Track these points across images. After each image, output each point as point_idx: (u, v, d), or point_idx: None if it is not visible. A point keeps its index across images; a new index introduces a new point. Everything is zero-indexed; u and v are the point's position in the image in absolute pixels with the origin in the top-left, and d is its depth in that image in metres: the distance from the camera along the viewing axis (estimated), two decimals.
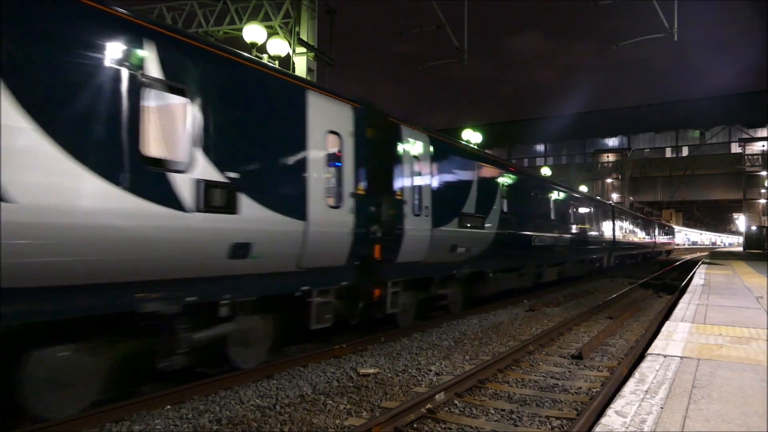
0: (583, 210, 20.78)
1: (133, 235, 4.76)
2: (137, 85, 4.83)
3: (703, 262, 24.92)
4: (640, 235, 35.87)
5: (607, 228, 24.87)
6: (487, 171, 12.41)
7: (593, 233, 22.20)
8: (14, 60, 4.01)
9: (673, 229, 60.11)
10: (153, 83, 5.02)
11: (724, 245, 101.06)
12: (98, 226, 4.48)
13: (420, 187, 9.37)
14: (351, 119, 7.71)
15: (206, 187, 5.38)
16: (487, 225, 11.90)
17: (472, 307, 12.14)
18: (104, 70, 4.59)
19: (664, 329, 6.81)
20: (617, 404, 3.86)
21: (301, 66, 15.57)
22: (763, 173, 43.71)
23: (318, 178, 6.90)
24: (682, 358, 5.25)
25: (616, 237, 26.73)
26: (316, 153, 6.89)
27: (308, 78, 14.75)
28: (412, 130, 9.36)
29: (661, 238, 48.07)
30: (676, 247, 71.92)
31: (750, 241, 47.27)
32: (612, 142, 57.42)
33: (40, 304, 4.30)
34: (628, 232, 30.94)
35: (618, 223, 27.35)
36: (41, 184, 4.12)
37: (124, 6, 4.93)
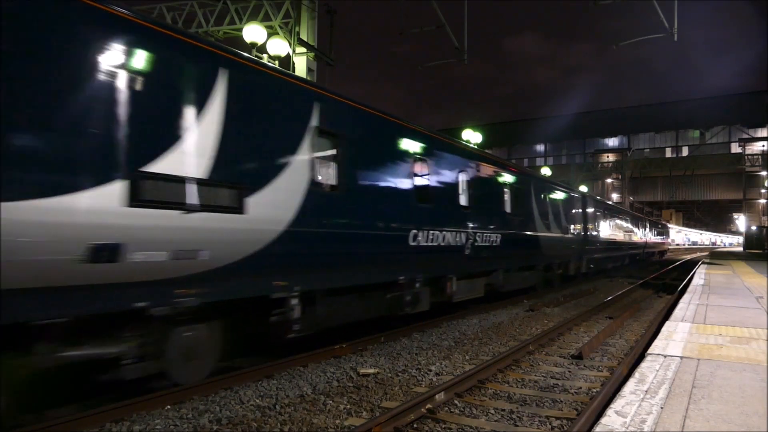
0: (530, 197, 15.00)
1: None
2: None
3: (703, 262, 24.92)
4: (625, 234, 30.56)
5: (576, 223, 19.64)
6: (257, 89, 6.25)
7: (550, 229, 16.41)
8: None
9: (667, 227, 56.14)
10: None
11: (724, 245, 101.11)
12: None
13: None
14: None
15: None
16: (260, 204, 5.97)
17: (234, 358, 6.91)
18: None
19: (664, 329, 6.81)
20: (617, 404, 3.86)
21: (301, 66, 15.58)
22: (763, 173, 43.73)
23: None
24: (682, 358, 5.25)
25: (589, 235, 21.51)
26: None
27: (308, 78, 14.77)
28: None
29: (654, 238, 43.36)
30: (675, 247, 71.63)
31: (750, 241, 47.30)
32: (612, 142, 57.48)
33: None
34: (607, 229, 25.50)
35: (592, 217, 22.25)
36: None
37: (121, 4, 4.91)
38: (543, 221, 15.75)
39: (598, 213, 23.58)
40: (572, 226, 19.11)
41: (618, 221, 28.44)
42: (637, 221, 35.27)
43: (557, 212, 17.35)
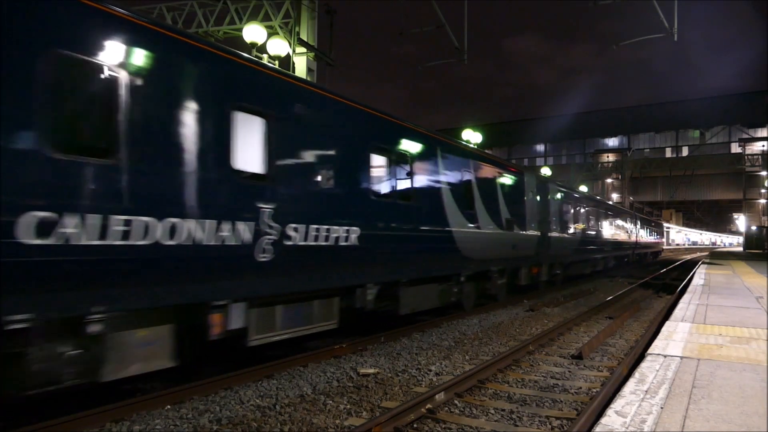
0: (437, 175, 10.05)
1: None
2: None
3: (703, 262, 24.92)
4: (608, 232, 25.71)
5: (530, 217, 14.87)
6: None
7: (479, 223, 11.61)
8: None
9: (662, 225, 52.97)
10: None
11: (724, 245, 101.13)
12: None
13: None
14: None
15: None
16: None
17: None
18: None
19: (664, 329, 6.81)
20: (617, 404, 3.86)
21: (301, 66, 15.58)
22: (763, 173, 43.75)
23: None
24: (682, 358, 5.25)
25: (553, 233, 16.85)
26: None
27: (308, 78, 14.77)
28: None
29: (647, 237, 38.92)
30: (675, 247, 71.32)
31: (750, 241, 47.31)
32: (612, 142, 57.52)
33: None
34: (583, 226, 20.85)
35: (559, 211, 17.78)
36: None
37: (120, 4, 4.90)
38: (463, 211, 10.92)
39: (569, 206, 19.06)
40: (524, 221, 14.40)
41: (599, 217, 23.76)
42: (625, 218, 30.95)
43: (493, 201, 12.48)
